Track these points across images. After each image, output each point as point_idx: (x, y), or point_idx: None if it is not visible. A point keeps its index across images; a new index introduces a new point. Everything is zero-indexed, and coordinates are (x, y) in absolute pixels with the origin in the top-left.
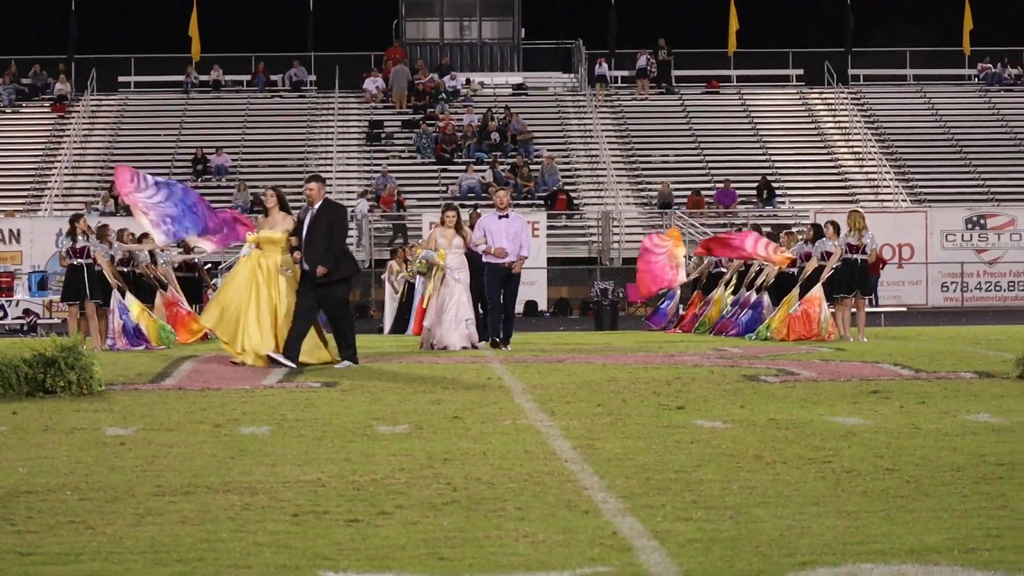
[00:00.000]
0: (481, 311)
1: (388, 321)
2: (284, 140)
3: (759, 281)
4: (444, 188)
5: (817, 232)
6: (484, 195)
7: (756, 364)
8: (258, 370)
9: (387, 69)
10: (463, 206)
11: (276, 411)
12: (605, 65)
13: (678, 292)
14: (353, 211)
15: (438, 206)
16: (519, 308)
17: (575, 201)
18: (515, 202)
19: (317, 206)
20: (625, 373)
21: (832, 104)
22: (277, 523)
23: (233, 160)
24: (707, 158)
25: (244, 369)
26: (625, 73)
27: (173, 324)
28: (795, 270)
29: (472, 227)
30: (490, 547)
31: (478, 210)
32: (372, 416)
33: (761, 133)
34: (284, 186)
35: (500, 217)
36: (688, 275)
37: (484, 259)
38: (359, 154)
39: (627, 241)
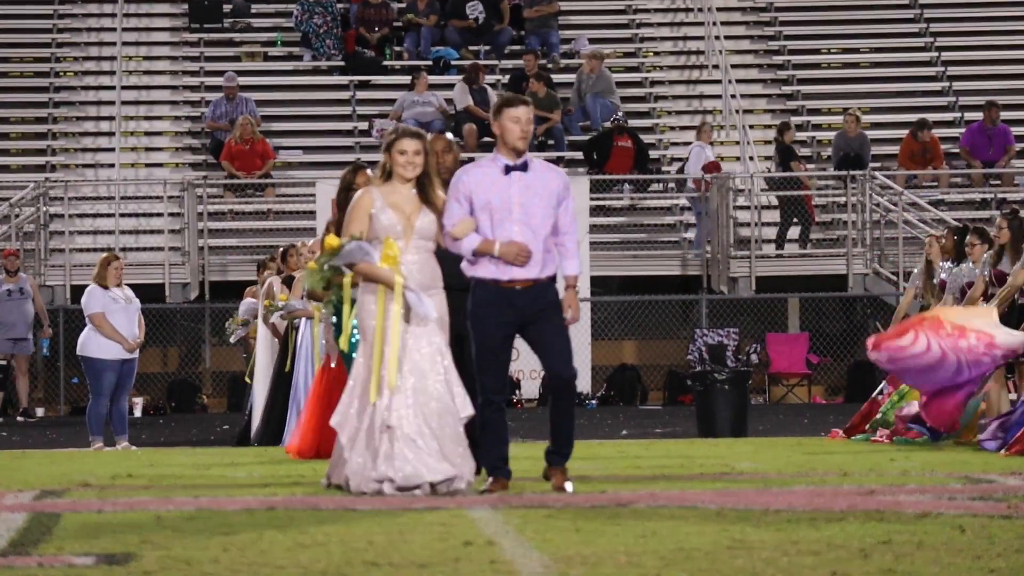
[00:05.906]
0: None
1: (256, 413)
2: (19, 22)
3: None
4: (366, 125)
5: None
6: (455, 139)
7: None
8: None
9: None
10: None
11: None
12: None
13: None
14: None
15: (348, 163)
16: (534, 389)
17: (653, 154)
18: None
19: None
20: (768, 532)
21: None
22: None
23: None
24: (942, 57)
25: None
26: None
27: None
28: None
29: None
30: None
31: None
32: None
33: None
34: (31, 120)
35: (510, 169)
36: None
37: (470, 272)
38: (174, 50)
39: (767, 240)
